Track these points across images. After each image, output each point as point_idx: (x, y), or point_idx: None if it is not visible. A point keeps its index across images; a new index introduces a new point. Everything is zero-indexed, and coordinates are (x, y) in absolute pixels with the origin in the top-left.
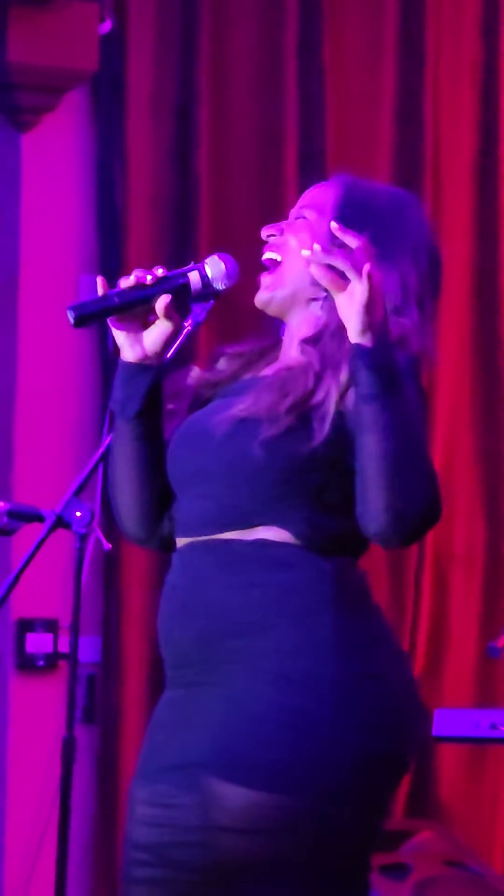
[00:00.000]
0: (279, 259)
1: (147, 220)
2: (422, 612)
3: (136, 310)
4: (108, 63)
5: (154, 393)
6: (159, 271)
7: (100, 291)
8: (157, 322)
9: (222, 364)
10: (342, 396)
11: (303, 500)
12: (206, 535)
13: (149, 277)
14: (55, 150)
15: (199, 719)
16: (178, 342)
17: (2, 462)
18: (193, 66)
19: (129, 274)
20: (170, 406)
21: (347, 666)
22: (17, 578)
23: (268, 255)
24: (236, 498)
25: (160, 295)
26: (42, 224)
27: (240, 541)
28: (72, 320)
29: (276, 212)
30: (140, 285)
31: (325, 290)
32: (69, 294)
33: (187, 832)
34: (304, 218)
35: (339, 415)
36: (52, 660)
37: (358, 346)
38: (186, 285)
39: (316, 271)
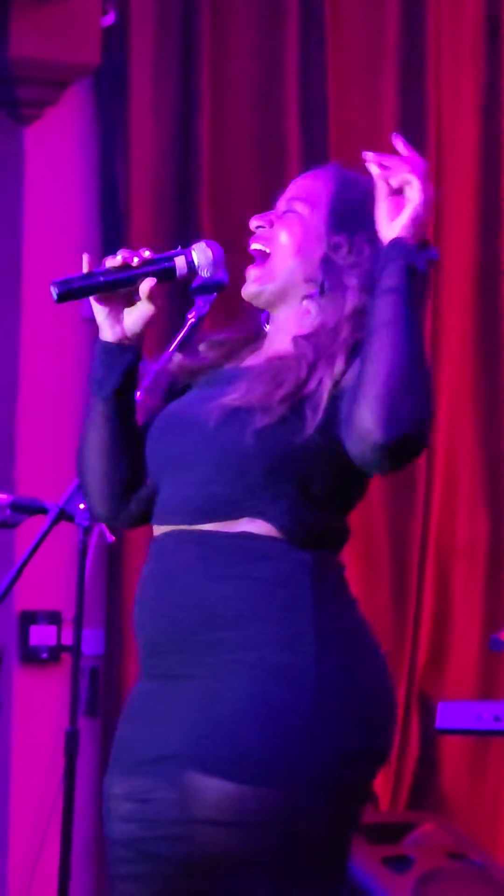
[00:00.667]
0: (268, 252)
1: (149, 212)
2: (424, 606)
3: (119, 290)
4: (110, 56)
5: (131, 374)
6: (146, 253)
7: (85, 269)
8: (139, 303)
9: (203, 351)
10: (336, 385)
11: (289, 490)
12: (187, 524)
13: (135, 259)
14: (58, 143)
15: (177, 712)
16: (181, 334)
17: (4, 454)
18: (195, 58)
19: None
20: (143, 389)
21: (326, 659)
22: (20, 571)
23: (256, 245)
24: (222, 486)
25: (145, 277)
26: (45, 217)
27: (222, 533)
28: (55, 296)
29: (276, 203)
30: (125, 265)
31: (319, 287)
32: None
33: (167, 826)
34: (296, 211)
35: (332, 402)
36: (55, 652)
37: (398, 239)
38: (172, 269)
39: (374, 169)
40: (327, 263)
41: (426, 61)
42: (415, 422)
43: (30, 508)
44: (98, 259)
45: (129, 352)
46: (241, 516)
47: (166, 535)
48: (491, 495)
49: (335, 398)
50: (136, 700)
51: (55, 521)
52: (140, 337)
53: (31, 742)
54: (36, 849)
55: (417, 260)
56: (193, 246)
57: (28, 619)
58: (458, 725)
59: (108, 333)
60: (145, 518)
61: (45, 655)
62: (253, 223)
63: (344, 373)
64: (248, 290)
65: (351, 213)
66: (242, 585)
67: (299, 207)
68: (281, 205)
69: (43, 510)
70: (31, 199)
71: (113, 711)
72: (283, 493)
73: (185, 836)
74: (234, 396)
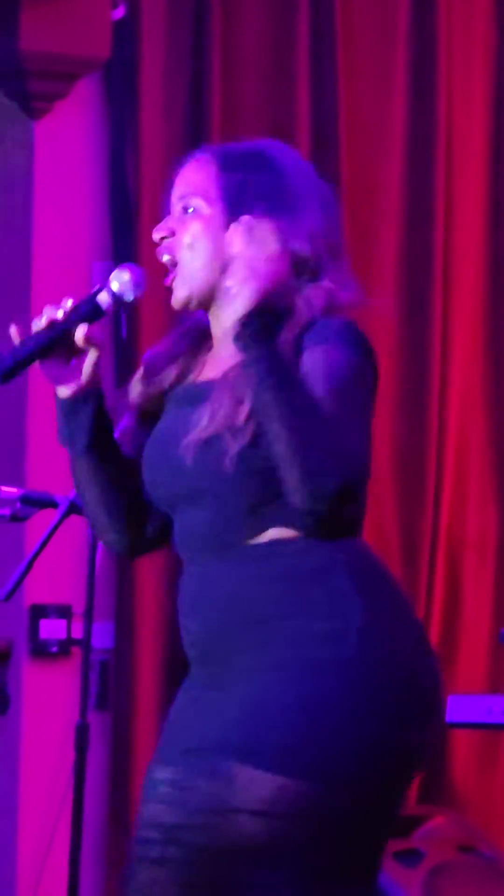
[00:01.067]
0: (176, 260)
1: (159, 206)
2: (435, 599)
3: (57, 348)
4: (120, 49)
5: (100, 419)
6: (68, 303)
7: (15, 341)
8: (81, 351)
9: (159, 371)
10: None
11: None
12: (214, 546)
13: (60, 312)
14: (67, 137)
15: (220, 706)
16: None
17: (14, 448)
18: (206, 51)
19: (64, 300)
20: (120, 425)
21: (368, 652)
22: (30, 565)
23: (164, 258)
24: (232, 515)
25: (76, 326)
26: (55, 211)
27: (252, 545)
28: None
29: None
30: (52, 323)
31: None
32: (82, 281)
33: (202, 814)
34: (191, 209)
35: None
36: (65, 646)
37: (234, 334)
38: (98, 307)
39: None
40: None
41: (437, 54)
42: (334, 496)
43: (40, 502)
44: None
45: (90, 400)
46: (266, 529)
47: (195, 557)
48: (501, 489)
49: None
50: (183, 694)
51: (65, 515)
52: (97, 380)
53: (40, 736)
54: (46, 842)
55: (246, 335)
56: (110, 276)
57: (38, 612)
58: (468, 719)
59: (63, 391)
60: (163, 541)
61: (54, 649)
62: (155, 235)
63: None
64: (176, 300)
65: (242, 191)
66: (281, 585)
67: (194, 203)
68: (175, 207)
69: (53, 504)
70: (40, 193)
71: (122, 705)
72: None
73: (219, 825)
74: (201, 427)
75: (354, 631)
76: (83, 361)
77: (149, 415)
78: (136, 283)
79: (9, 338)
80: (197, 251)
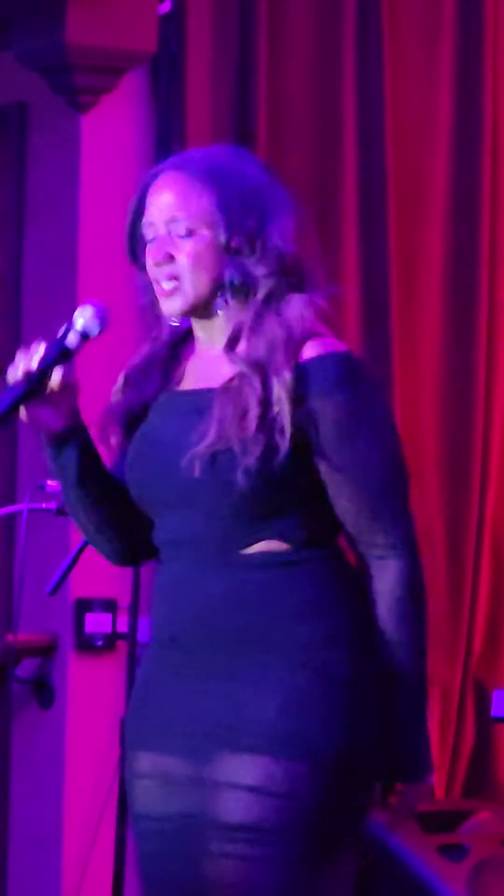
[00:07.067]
0: (176, 285)
1: None
2: (480, 593)
3: (35, 395)
4: (166, 43)
5: (85, 451)
6: (40, 348)
7: None
8: (60, 392)
9: (142, 383)
10: (292, 400)
11: (294, 508)
12: (205, 551)
13: (34, 360)
14: (114, 131)
15: (205, 693)
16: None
17: None
18: (252, 45)
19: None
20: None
21: (360, 655)
22: (76, 559)
23: (166, 285)
24: (228, 525)
25: (50, 370)
26: (101, 204)
27: (241, 554)
28: None
29: (332, 191)
30: (27, 373)
31: (230, 289)
32: (129, 275)
33: (193, 797)
34: (186, 232)
35: (294, 415)
36: (110, 640)
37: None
38: (67, 349)
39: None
40: (235, 267)
41: (483, 50)
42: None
43: None
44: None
45: (74, 436)
46: (257, 542)
47: (180, 562)
48: None
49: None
50: (154, 676)
51: None
52: (77, 416)
53: (86, 730)
54: (91, 836)
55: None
56: (73, 315)
57: (83, 606)
58: None
59: (48, 431)
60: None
61: (100, 643)
62: (151, 262)
63: (294, 387)
64: (172, 311)
65: (233, 208)
66: (271, 591)
67: (190, 226)
68: (158, 228)
69: None
70: (87, 187)
71: None
72: (290, 509)
73: (215, 804)
74: (208, 442)
75: (345, 636)
76: (62, 403)
77: (132, 424)
78: (100, 318)
79: (54, 326)
80: (200, 273)
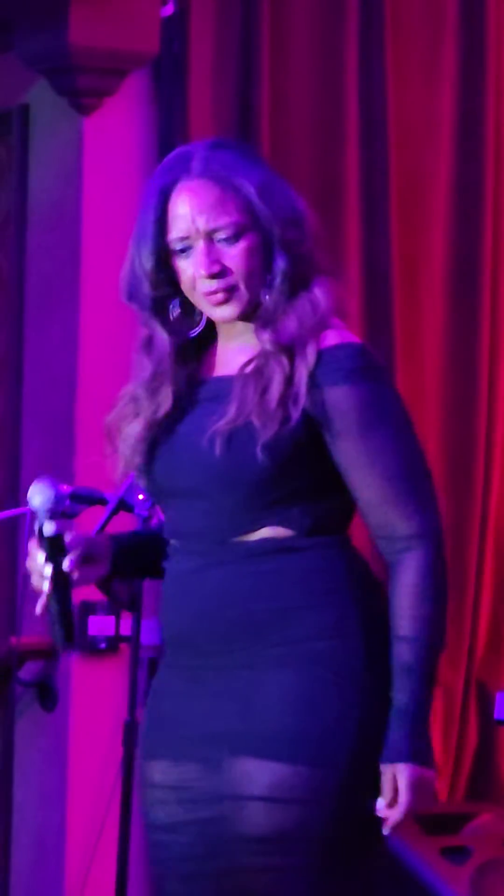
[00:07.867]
0: (233, 292)
1: None
2: (483, 595)
3: (64, 590)
4: (169, 45)
5: (124, 561)
6: (40, 556)
7: (39, 611)
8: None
9: (154, 395)
10: (309, 380)
11: (301, 492)
12: (208, 543)
13: (45, 585)
14: (117, 132)
15: (222, 702)
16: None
17: (64, 445)
18: (255, 48)
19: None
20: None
21: (371, 644)
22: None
23: (222, 295)
24: (239, 508)
25: (61, 562)
26: (104, 206)
27: (244, 541)
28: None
29: (335, 191)
30: (47, 587)
31: (277, 278)
32: None
33: (213, 806)
34: (233, 239)
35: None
36: (113, 643)
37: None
38: (52, 538)
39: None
40: (282, 257)
41: (486, 47)
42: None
43: (89, 499)
44: None
45: (110, 568)
46: (261, 527)
47: (187, 550)
48: None
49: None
50: (164, 687)
51: (114, 512)
52: (107, 563)
53: (89, 732)
54: (94, 839)
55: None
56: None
57: (87, 609)
58: None
59: (97, 580)
60: None
61: (103, 646)
62: (203, 274)
63: (314, 355)
64: (230, 316)
65: (266, 208)
66: (276, 580)
67: (235, 233)
68: (207, 234)
69: (102, 501)
70: (89, 189)
71: None
72: (297, 496)
73: (233, 815)
74: (228, 418)
75: (353, 624)
76: (90, 569)
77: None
78: (55, 498)
79: (57, 328)
80: (254, 274)
